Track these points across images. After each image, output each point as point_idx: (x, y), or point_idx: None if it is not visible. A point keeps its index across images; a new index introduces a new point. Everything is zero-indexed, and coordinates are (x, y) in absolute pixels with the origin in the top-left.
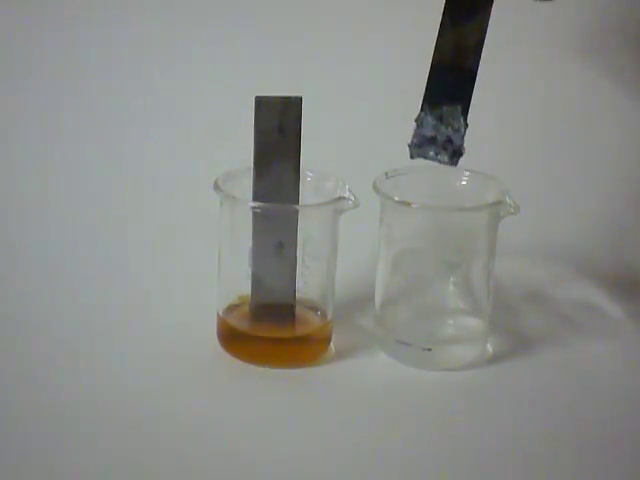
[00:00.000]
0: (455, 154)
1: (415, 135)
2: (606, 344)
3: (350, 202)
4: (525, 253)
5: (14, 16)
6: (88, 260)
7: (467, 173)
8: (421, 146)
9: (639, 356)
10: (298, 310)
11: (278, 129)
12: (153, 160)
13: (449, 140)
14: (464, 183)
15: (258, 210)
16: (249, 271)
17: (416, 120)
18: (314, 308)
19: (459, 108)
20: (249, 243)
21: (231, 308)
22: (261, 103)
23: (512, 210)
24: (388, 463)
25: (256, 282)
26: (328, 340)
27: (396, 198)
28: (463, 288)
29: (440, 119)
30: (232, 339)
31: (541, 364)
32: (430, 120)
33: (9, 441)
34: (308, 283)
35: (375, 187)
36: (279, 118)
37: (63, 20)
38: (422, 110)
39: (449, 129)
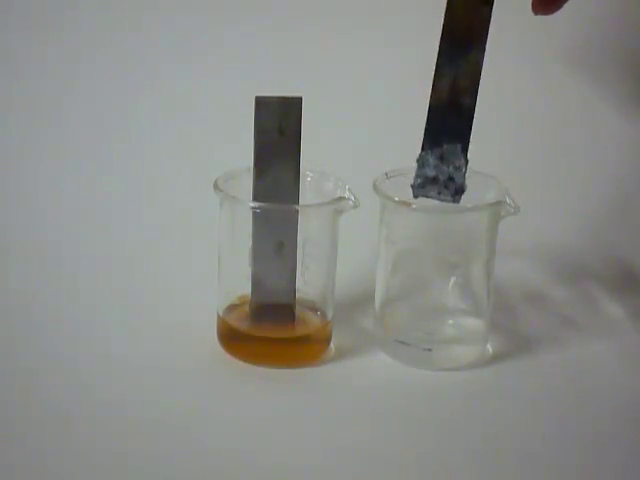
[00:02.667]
0: (457, 192)
1: (417, 175)
2: (606, 344)
3: (350, 202)
4: (525, 253)
5: (14, 16)
6: (88, 260)
7: (467, 173)
8: (424, 186)
9: (639, 356)
10: (298, 310)
11: (278, 129)
12: (153, 160)
13: (451, 178)
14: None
15: (258, 210)
16: (249, 271)
17: (417, 160)
18: (314, 308)
19: (459, 146)
20: (249, 243)
21: (231, 308)
22: (261, 103)
23: (512, 210)
24: (388, 463)
25: (256, 282)
26: (328, 340)
27: (396, 198)
28: (463, 288)
29: (441, 158)
30: (232, 339)
31: (541, 364)
32: (431, 160)
33: (8, 441)
34: (308, 283)
35: (375, 187)
36: (279, 118)
37: (63, 20)
38: (423, 150)
39: (450, 167)
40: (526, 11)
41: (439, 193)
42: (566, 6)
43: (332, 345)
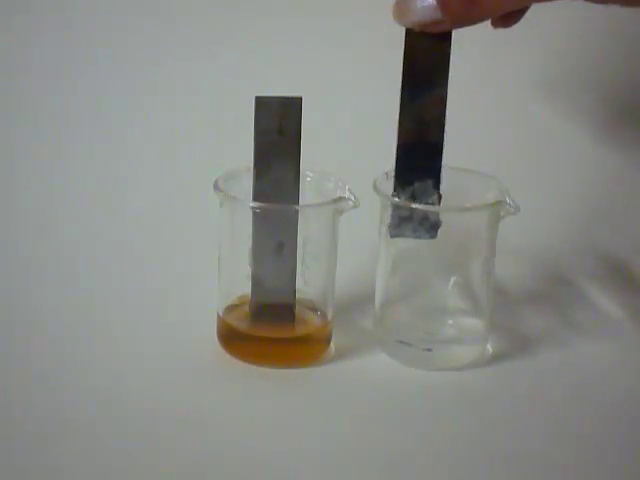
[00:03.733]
0: (432, 227)
1: (392, 216)
2: (606, 344)
3: (350, 202)
4: (525, 253)
5: (14, 16)
6: (87, 260)
7: (467, 173)
8: (399, 226)
9: (639, 356)
10: (298, 310)
11: (278, 129)
12: (153, 160)
13: (425, 216)
14: (465, 183)
15: (258, 210)
16: (249, 271)
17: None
18: (314, 308)
19: (430, 183)
20: (249, 243)
21: (231, 308)
22: (261, 103)
23: (512, 210)
24: (388, 463)
25: (256, 282)
26: (328, 340)
27: (396, 198)
28: (463, 288)
29: (413, 197)
30: (232, 339)
31: (541, 364)
32: (404, 200)
33: (9, 441)
34: (308, 283)
35: (375, 187)
36: (279, 118)
37: (63, 20)
38: (395, 190)
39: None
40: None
41: (414, 231)
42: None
43: (332, 345)
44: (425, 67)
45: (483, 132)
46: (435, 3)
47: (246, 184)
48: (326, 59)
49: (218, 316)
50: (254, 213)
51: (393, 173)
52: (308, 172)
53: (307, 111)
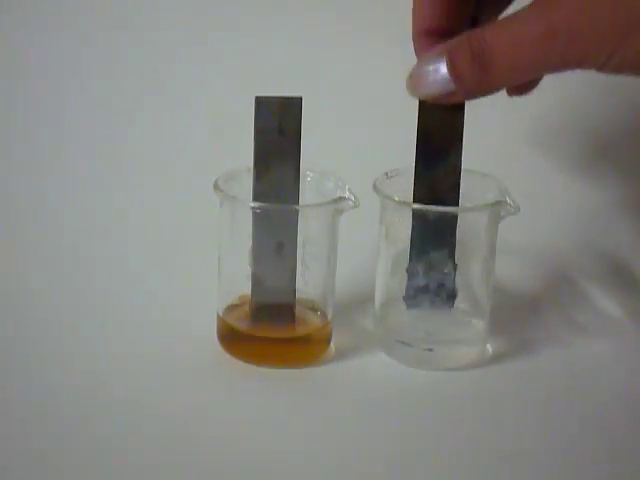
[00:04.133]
0: (449, 297)
1: (408, 287)
2: (606, 344)
3: (350, 202)
4: (525, 253)
5: (14, 16)
6: (87, 260)
7: (467, 173)
8: (415, 296)
9: (639, 356)
10: (298, 310)
11: (278, 129)
12: (153, 160)
13: (441, 285)
14: (464, 183)
15: (258, 210)
16: (249, 271)
17: (407, 271)
18: (314, 308)
19: (446, 252)
20: (249, 243)
21: (231, 308)
22: (261, 103)
23: (512, 210)
24: (388, 463)
25: (256, 282)
26: (328, 340)
27: (396, 198)
28: (463, 288)
29: (430, 266)
30: (232, 339)
31: (541, 364)
32: (420, 270)
33: (9, 441)
34: (308, 283)
35: (375, 187)
36: (279, 118)
37: (63, 20)
38: (410, 260)
39: (440, 275)
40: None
41: (432, 302)
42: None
43: (332, 345)
44: (439, 138)
45: (482, 132)
46: (448, 75)
47: (246, 184)
48: (326, 59)
49: (218, 316)
50: (254, 213)
51: (393, 174)
52: (308, 172)
53: (307, 111)
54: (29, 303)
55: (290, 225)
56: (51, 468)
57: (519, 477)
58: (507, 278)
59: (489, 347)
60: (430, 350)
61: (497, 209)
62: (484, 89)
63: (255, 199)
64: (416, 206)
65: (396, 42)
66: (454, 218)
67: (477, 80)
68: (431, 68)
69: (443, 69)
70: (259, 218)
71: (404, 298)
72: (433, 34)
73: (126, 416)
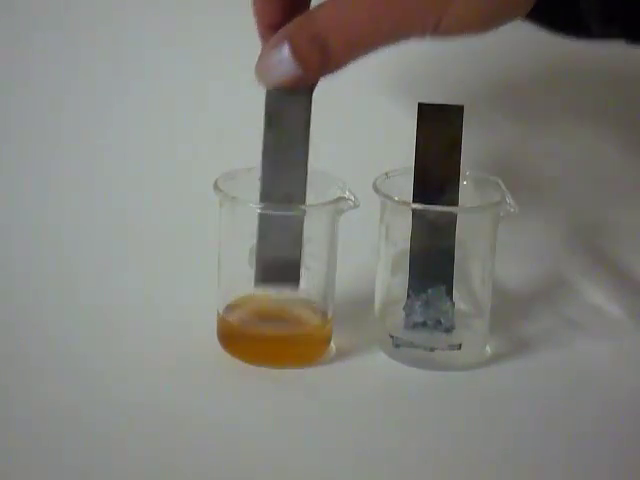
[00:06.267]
0: (447, 331)
1: (406, 323)
2: (606, 344)
3: (350, 202)
4: (525, 253)
5: (14, 16)
6: (87, 260)
7: (467, 173)
8: (414, 327)
9: (639, 356)
10: (298, 310)
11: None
12: (153, 160)
13: (439, 321)
14: (464, 183)
15: (259, 211)
16: (249, 271)
17: (404, 308)
18: (314, 308)
19: (443, 289)
20: (249, 243)
21: (231, 308)
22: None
23: (512, 210)
24: (388, 463)
25: (262, 237)
26: (328, 340)
27: (396, 198)
28: (463, 288)
29: (427, 304)
30: (232, 339)
31: (541, 364)
32: (417, 307)
33: (9, 441)
34: (308, 283)
35: (375, 187)
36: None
37: (63, 19)
38: (408, 297)
39: (437, 312)
40: None
41: (430, 333)
42: None
43: (332, 345)
44: (436, 175)
45: (483, 131)
46: (293, 60)
47: (246, 184)
48: None
49: (218, 316)
50: (264, 161)
51: (393, 173)
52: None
53: None
54: (29, 303)
55: (299, 178)
56: (51, 467)
57: (519, 477)
58: (507, 278)
59: (488, 348)
60: (430, 350)
61: (497, 209)
62: (328, 68)
63: (265, 149)
64: (416, 206)
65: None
66: (452, 255)
67: (319, 61)
68: (276, 56)
69: (287, 54)
70: (268, 168)
71: (393, 339)
72: (277, 27)
73: (125, 416)
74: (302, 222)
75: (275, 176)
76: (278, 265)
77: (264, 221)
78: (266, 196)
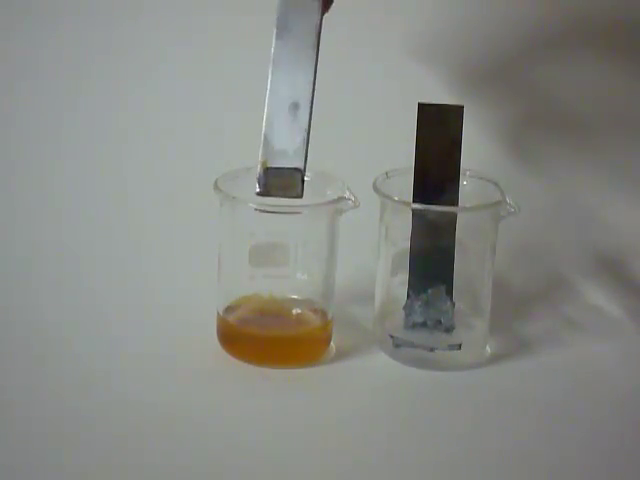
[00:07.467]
0: (447, 331)
1: (406, 323)
2: (606, 344)
3: (350, 202)
4: (525, 253)
5: (14, 16)
6: (87, 260)
7: (467, 173)
8: (414, 327)
9: (639, 356)
10: (298, 310)
11: None
12: (153, 160)
13: (439, 322)
14: (464, 183)
15: (259, 211)
16: (249, 271)
17: (404, 308)
18: (314, 308)
19: (443, 289)
20: (249, 243)
21: (231, 308)
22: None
23: (512, 210)
24: (388, 463)
25: (267, 143)
26: (328, 340)
27: (396, 198)
28: (463, 288)
29: (427, 303)
30: (232, 339)
31: (541, 364)
32: (417, 307)
33: (9, 441)
34: (308, 283)
35: (375, 187)
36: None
37: (64, 20)
38: (408, 297)
39: (437, 312)
40: None
41: (430, 333)
42: None
43: (332, 345)
44: (436, 173)
45: (482, 131)
46: None
47: (246, 184)
48: (326, 58)
49: (218, 316)
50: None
51: (393, 173)
52: (308, 172)
53: None
54: (29, 303)
55: (305, 84)
56: (51, 467)
57: (519, 477)
58: (507, 278)
59: (488, 348)
60: (430, 350)
61: (497, 209)
62: None
63: (275, 56)
64: (416, 206)
65: (397, 41)
66: (452, 255)
67: None
68: None
69: None
70: (276, 66)
71: (393, 339)
72: None
73: (126, 415)
74: (308, 127)
75: (283, 80)
76: (281, 174)
77: (271, 125)
78: (272, 104)
